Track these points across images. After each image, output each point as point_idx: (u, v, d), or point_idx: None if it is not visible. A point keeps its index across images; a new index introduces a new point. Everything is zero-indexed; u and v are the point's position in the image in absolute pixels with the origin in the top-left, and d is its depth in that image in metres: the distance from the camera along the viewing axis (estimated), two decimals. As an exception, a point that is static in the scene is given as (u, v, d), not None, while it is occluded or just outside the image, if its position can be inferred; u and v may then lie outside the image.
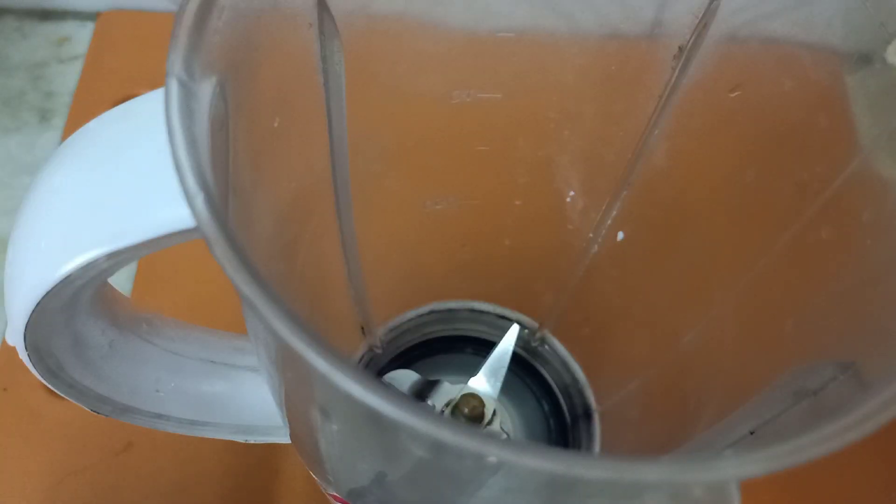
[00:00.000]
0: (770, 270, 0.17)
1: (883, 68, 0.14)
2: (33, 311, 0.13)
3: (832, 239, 0.15)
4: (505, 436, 0.22)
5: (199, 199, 0.10)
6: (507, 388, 0.25)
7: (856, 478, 0.26)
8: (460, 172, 0.24)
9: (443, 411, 0.22)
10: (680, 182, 0.21)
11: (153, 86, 0.12)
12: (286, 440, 0.21)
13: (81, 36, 0.36)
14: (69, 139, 0.13)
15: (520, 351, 0.27)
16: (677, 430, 0.19)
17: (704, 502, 0.10)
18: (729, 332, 0.19)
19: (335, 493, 0.18)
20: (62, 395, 0.16)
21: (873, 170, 0.14)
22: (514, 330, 0.25)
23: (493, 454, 0.08)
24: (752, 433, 0.14)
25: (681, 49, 0.18)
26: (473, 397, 0.22)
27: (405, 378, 0.24)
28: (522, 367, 0.27)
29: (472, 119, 0.22)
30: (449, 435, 0.08)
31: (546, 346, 0.27)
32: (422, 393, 0.23)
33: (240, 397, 0.19)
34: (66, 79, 0.35)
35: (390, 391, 0.08)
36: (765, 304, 0.17)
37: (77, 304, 0.14)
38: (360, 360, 0.26)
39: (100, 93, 0.34)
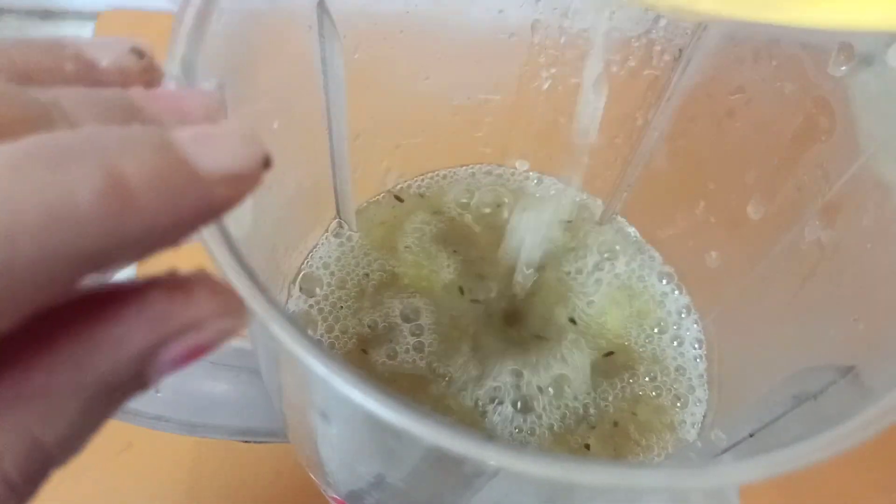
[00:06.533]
0: (770, 272, 0.17)
1: (883, 71, 0.14)
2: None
3: (832, 242, 0.15)
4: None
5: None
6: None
7: (855, 478, 0.26)
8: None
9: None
10: (679, 184, 0.21)
11: (153, 87, 0.12)
12: (286, 441, 0.21)
13: (81, 36, 0.36)
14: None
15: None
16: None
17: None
18: (729, 333, 0.19)
19: (334, 495, 0.18)
20: (62, 396, 0.16)
21: (874, 173, 0.14)
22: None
23: (492, 459, 0.08)
24: (751, 436, 0.14)
25: (681, 51, 0.18)
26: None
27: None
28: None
29: (473, 120, 0.22)
30: (448, 440, 0.08)
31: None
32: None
33: (240, 399, 0.19)
34: (67, 79, 0.35)
35: (389, 396, 0.08)
36: (764, 307, 0.17)
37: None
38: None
39: (100, 93, 0.33)
